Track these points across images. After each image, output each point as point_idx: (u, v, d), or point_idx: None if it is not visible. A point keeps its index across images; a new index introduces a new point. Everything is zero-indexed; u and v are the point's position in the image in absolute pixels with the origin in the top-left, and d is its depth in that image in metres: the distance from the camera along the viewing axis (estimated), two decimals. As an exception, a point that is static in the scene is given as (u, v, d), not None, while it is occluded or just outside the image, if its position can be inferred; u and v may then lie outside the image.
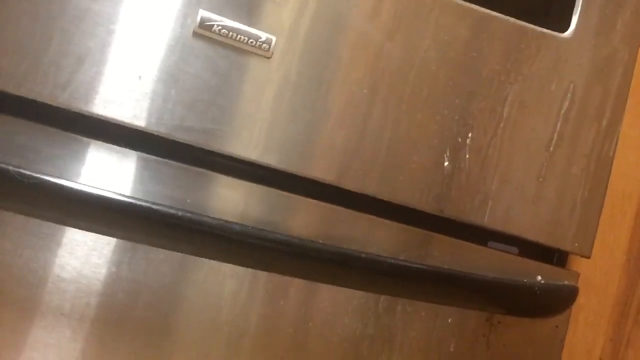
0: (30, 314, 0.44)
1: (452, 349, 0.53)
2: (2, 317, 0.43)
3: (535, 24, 0.55)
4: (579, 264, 0.60)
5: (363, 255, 0.47)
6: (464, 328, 0.54)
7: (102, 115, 0.44)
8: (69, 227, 0.44)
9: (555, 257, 0.59)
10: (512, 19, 0.54)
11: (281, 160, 0.49)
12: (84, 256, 0.45)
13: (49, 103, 0.43)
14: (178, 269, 0.47)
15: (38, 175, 0.39)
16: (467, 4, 0.53)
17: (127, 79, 0.45)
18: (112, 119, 0.44)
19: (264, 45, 0.46)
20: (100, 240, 0.45)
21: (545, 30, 0.55)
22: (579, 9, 0.56)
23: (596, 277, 0.63)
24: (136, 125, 0.45)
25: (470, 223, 0.53)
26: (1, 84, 0.43)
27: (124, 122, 0.45)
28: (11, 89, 0.43)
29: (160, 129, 0.45)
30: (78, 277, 0.44)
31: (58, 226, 0.43)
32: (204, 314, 0.47)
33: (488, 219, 0.54)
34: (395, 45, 0.51)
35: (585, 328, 0.65)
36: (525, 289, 0.53)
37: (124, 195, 0.42)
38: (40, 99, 0.43)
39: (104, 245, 0.45)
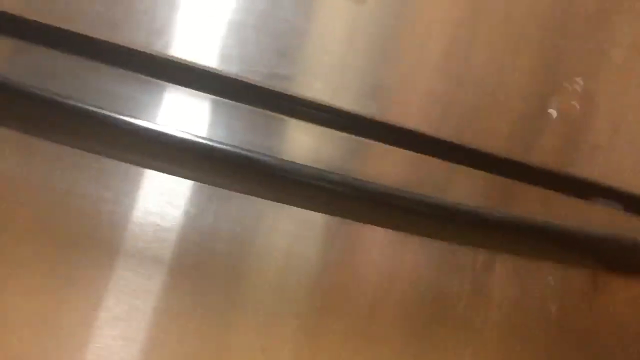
0: (110, 259, 0.44)
1: (553, 310, 0.50)
2: (86, 259, 0.44)
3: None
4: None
5: (463, 208, 0.44)
6: (567, 289, 0.51)
7: (195, 63, 0.43)
8: (148, 170, 0.43)
9: (664, 215, 0.55)
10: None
11: (371, 108, 0.46)
12: (163, 200, 0.44)
13: (145, 51, 0.42)
14: (260, 216, 0.46)
15: (118, 116, 0.39)
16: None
17: (218, 27, 0.43)
18: (207, 67, 0.43)
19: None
20: (180, 184, 0.45)
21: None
22: None
23: None
24: (229, 73, 0.44)
25: (576, 176, 0.49)
26: (96, 32, 0.42)
27: (218, 71, 0.43)
28: (106, 36, 0.42)
29: (255, 77, 0.44)
30: (158, 221, 0.44)
31: (138, 169, 0.43)
32: (290, 263, 0.47)
33: (595, 172, 0.50)
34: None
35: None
36: (632, 244, 0.49)
37: (203, 137, 0.41)
38: (134, 46, 0.42)
39: (185, 189, 0.45)
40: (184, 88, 0.44)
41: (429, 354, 0.48)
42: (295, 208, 0.45)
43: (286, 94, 0.45)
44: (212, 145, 0.42)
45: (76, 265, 0.43)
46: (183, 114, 0.44)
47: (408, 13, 0.46)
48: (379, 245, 0.48)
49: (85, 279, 0.44)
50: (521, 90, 0.48)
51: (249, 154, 0.42)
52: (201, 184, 0.44)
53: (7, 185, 0.43)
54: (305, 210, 0.45)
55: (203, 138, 0.42)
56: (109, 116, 0.40)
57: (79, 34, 0.42)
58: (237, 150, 0.42)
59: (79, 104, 0.39)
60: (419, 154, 0.47)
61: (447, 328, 0.48)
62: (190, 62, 0.43)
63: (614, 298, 0.51)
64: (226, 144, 0.42)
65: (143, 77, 0.43)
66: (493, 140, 0.48)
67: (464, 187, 0.48)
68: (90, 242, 0.43)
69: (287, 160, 0.43)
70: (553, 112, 0.48)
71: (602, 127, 0.49)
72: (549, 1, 0.48)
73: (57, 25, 0.41)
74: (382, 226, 0.45)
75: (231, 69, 0.44)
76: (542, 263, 0.49)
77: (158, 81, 0.44)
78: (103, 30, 0.42)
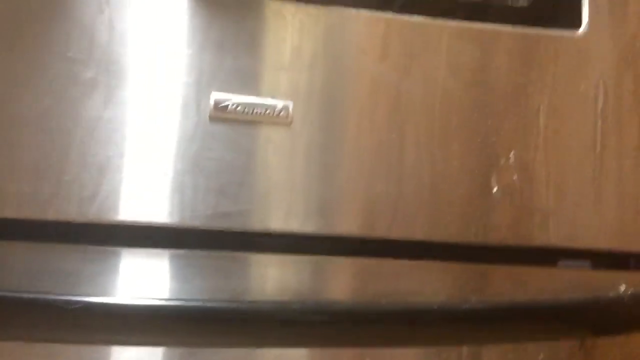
0: None
1: (551, 387, 0.48)
2: None
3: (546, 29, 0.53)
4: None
5: (435, 307, 0.43)
6: (558, 361, 0.49)
7: (135, 222, 0.42)
8: (121, 347, 0.41)
9: (631, 263, 0.55)
10: (521, 29, 0.52)
11: (324, 225, 0.46)
12: None
13: (79, 221, 0.41)
14: None
15: (84, 299, 0.37)
16: (473, 25, 0.51)
17: (153, 179, 0.43)
18: (146, 222, 0.42)
19: (282, 112, 0.45)
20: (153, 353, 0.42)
21: (558, 32, 0.53)
22: (587, 3, 0.55)
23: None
24: (172, 224, 0.43)
25: (536, 246, 0.50)
26: (27, 212, 0.41)
27: (159, 223, 0.43)
28: (38, 214, 0.41)
29: (196, 222, 0.43)
30: None
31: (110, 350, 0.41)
32: None
33: (554, 237, 0.50)
34: (412, 81, 0.49)
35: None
36: (613, 302, 0.48)
37: (179, 300, 0.39)
38: (68, 219, 0.41)
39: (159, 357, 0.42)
40: (129, 249, 0.43)
41: None
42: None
43: (236, 231, 0.44)
44: (175, 305, 0.40)
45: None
46: (134, 276, 0.43)
47: (336, 126, 0.47)
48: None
49: None
50: (459, 176, 0.49)
51: (217, 304, 0.40)
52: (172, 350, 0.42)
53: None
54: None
55: (164, 299, 0.40)
56: (57, 299, 0.38)
57: (9, 219, 0.41)
58: (202, 304, 0.40)
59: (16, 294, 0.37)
60: (379, 260, 0.47)
61: None
62: (131, 222, 0.42)
63: (605, 358, 0.50)
64: (187, 300, 0.41)
65: (85, 247, 0.42)
66: (443, 229, 0.48)
67: (430, 283, 0.47)
68: None
69: (258, 301, 0.42)
70: (496, 190, 0.49)
71: (547, 193, 0.50)
72: (463, 86, 0.50)
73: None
74: (359, 346, 0.44)
75: (173, 220, 0.43)
76: (528, 343, 0.48)
77: (102, 248, 0.42)
78: (34, 209, 0.41)
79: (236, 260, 0.44)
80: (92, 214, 0.42)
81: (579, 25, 0.54)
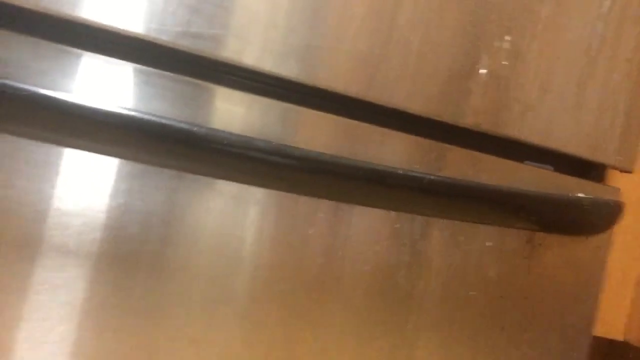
0: (31, 253, 0.39)
1: (491, 274, 0.49)
2: (4, 251, 0.38)
3: None
4: (617, 181, 0.56)
5: (399, 172, 0.42)
6: (504, 251, 0.50)
7: (94, 22, 0.38)
8: (66, 151, 0.38)
9: (592, 174, 0.55)
10: None
11: (299, 70, 0.43)
12: (87, 185, 0.39)
13: (33, 9, 0.37)
14: (190, 196, 0.42)
15: (31, 88, 0.33)
16: None
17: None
18: (106, 26, 0.38)
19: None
20: (105, 166, 0.40)
21: None
22: None
23: (637, 194, 0.59)
24: (134, 33, 0.39)
25: (508, 137, 0.49)
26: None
27: (121, 30, 0.38)
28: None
29: (163, 37, 0.39)
30: (81, 209, 0.39)
31: (54, 150, 0.38)
32: (222, 245, 0.43)
33: (527, 132, 0.49)
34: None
35: (623, 249, 0.62)
36: (572, 204, 0.48)
37: (130, 109, 0.36)
38: (22, 4, 0.37)
39: (109, 173, 0.40)
40: (86, 52, 0.39)
41: (373, 327, 0.46)
42: (224, 183, 0.41)
43: (202, 56, 0.40)
44: (131, 116, 0.37)
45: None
46: (94, 82, 0.39)
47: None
48: (313, 219, 0.45)
49: (4, 272, 0.38)
50: (449, 49, 0.46)
51: (171, 122, 0.38)
52: (123, 162, 0.39)
53: None
54: (235, 184, 0.42)
55: (121, 108, 0.37)
56: (24, 90, 0.34)
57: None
58: (157, 120, 0.37)
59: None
60: (347, 119, 0.45)
61: (387, 300, 0.46)
62: (91, 22, 0.38)
63: (550, 258, 0.51)
64: (145, 113, 0.37)
65: (36, 40, 0.38)
66: (422, 101, 0.46)
67: (393, 151, 0.46)
68: (7, 234, 0.38)
69: (212, 128, 0.39)
70: (483, 72, 0.47)
71: (532, 86, 0.49)
72: None
73: None
74: (315, 196, 0.42)
75: (137, 29, 0.39)
76: (479, 228, 0.48)
77: (56, 45, 0.38)
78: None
79: (201, 89, 0.41)
80: (47, 2, 0.37)
81: None
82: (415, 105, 0.46)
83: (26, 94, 0.33)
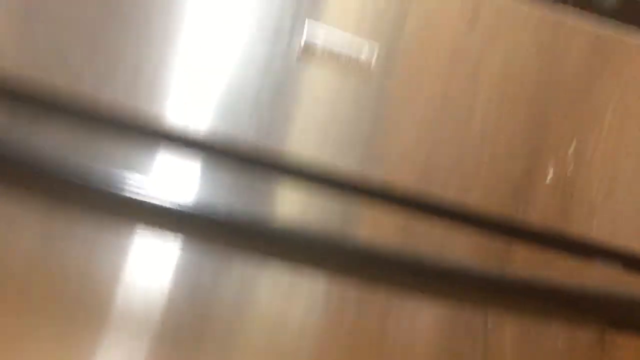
0: (97, 330, 0.43)
1: (563, 371, 0.50)
2: (77, 321, 0.43)
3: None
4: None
5: (469, 267, 0.45)
6: (575, 349, 0.50)
7: (169, 122, 0.44)
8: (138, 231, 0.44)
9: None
10: (601, 29, 0.53)
11: (376, 169, 0.47)
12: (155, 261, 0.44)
13: (125, 116, 0.43)
14: (254, 280, 0.46)
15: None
16: (559, 14, 0.52)
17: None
18: (177, 125, 0.44)
19: (366, 54, 0.46)
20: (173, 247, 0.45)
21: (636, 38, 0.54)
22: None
23: None
24: (202, 131, 0.45)
25: (575, 235, 0.51)
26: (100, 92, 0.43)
27: (189, 129, 0.44)
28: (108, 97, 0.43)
29: (229, 131, 0.45)
30: (148, 281, 0.44)
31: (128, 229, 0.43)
32: (284, 329, 0.46)
33: (594, 231, 0.51)
34: (493, 54, 0.50)
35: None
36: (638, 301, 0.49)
37: (198, 199, 0.42)
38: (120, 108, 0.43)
39: (176, 254, 0.45)
40: (172, 151, 0.45)
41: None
42: (288, 270, 0.45)
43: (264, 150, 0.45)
44: (200, 205, 0.43)
45: (66, 327, 0.42)
46: (167, 174, 0.45)
47: (413, 79, 0.48)
48: (386, 310, 0.47)
49: (75, 341, 0.42)
50: (519, 152, 0.50)
51: (237, 212, 0.43)
52: (191, 243, 0.44)
53: None
54: (301, 273, 0.46)
55: (190, 197, 0.43)
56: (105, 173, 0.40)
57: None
58: (224, 209, 0.43)
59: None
60: (416, 214, 0.48)
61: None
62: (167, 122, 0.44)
63: (621, 356, 0.51)
64: (210, 204, 0.43)
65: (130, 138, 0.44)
66: (493, 200, 0.49)
67: (461, 248, 0.49)
68: (80, 304, 0.43)
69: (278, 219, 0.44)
70: (550, 176, 0.50)
71: (598, 187, 0.51)
72: (539, 68, 0.51)
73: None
74: (386, 287, 0.46)
75: (204, 127, 0.44)
76: (550, 324, 0.50)
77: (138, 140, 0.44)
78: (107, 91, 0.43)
79: (265, 182, 0.46)
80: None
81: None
82: (488, 203, 0.49)
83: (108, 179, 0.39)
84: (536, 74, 0.51)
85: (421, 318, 0.48)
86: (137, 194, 0.41)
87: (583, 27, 0.52)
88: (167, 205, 0.42)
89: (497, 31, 0.50)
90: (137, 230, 0.44)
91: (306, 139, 0.46)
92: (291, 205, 0.46)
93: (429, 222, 0.49)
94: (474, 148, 0.49)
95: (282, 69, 0.46)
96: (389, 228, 0.48)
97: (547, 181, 0.50)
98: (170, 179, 0.44)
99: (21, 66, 0.42)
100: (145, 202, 0.42)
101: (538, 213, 0.50)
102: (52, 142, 0.43)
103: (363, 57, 0.47)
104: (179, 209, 0.42)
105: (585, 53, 0.52)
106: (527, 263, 0.50)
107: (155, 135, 0.44)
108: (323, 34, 0.46)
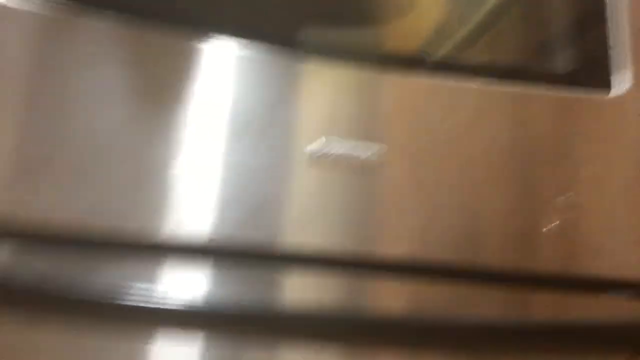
0: None
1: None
2: None
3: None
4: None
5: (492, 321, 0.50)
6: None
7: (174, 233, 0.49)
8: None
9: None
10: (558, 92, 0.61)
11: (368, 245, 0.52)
12: None
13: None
14: None
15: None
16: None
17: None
18: (184, 235, 0.50)
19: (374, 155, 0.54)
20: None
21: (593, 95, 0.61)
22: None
23: None
24: (205, 238, 0.49)
25: (587, 276, 0.56)
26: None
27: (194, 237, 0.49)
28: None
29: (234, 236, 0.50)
30: None
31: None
32: None
33: (604, 269, 0.56)
34: (476, 137, 0.57)
35: None
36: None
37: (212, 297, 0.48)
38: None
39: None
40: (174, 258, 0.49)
41: None
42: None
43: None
44: (215, 302, 0.48)
45: None
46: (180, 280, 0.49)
47: (421, 170, 0.55)
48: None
49: None
50: (517, 209, 0.56)
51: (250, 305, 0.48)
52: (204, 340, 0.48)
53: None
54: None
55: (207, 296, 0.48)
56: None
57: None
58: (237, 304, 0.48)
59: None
60: (428, 281, 0.53)
61: None
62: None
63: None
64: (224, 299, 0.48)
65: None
66: (502, 256, 0.55)
67: (476, 304, 0.53)
68: None
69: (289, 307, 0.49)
70: (551, 226, 0.56)
71: (601, 228, 0.57)
72: (515, 142, 0.57)
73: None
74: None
75: (205, 234, 0.49)
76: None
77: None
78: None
79: (275, 274, 0.51)
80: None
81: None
82: (498, 260, 0.55)
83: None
84: (514, 147, 0.58)
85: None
86: (147, 301, 0.46)
87: (547, 94, 0.61)
88: (176, 307, 0.47)
89: (477, 117, 0.58)
90: (152, 336, 0.48)
91: (306, 229, 0.52)
92: (301, 290, 0.51)
93: (437, 285, 0.53)
94: (484, 216, 0.55)
95: (285, 171, 0.52)
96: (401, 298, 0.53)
97: (550, 230, 0.56)
98: (177, 283, 0.49)
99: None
100: (155, 308, 0.47)
101: (544, 261, 0.56)
102: (57, 266, 0.47)
103: (364, 156, 0.54)
104: (189, 310, 0.47)
105: (552, 115, 0.60)
106: (540, 311, 0.55)
107: (161, 246, 0.49)
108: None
